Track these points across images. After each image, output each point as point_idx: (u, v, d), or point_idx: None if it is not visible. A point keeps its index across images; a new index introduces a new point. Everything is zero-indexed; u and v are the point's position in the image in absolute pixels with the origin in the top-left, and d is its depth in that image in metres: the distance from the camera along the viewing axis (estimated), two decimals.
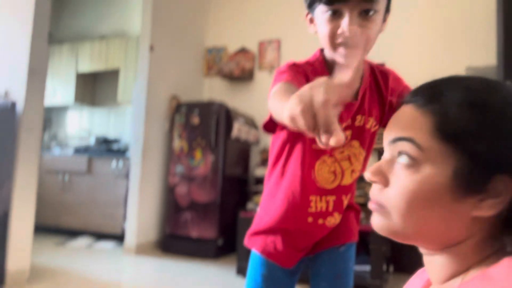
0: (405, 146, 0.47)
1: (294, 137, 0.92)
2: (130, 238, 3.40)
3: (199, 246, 3.38)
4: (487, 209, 0.44)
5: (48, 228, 4.05)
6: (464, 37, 3.24)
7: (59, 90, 4.63)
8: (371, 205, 0.51)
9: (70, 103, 4.63)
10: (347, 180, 0.94)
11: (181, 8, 3.96)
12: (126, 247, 3.41)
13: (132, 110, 3.91)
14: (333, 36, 0.79)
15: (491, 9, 2.63)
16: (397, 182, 0.48)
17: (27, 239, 2.42)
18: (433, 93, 0.47)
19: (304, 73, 0.86)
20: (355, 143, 0.93)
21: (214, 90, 4.26)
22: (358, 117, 0.92)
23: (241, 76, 4.03)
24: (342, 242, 1.00)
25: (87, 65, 4.61)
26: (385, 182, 0.49)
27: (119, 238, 3.70)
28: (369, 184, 0.51)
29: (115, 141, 4.44)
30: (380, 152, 0.56)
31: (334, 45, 0.80)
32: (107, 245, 3.66)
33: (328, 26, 0.79)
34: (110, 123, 4.75)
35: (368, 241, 2.43)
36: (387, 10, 0.85)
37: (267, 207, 1.00)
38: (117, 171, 3.89)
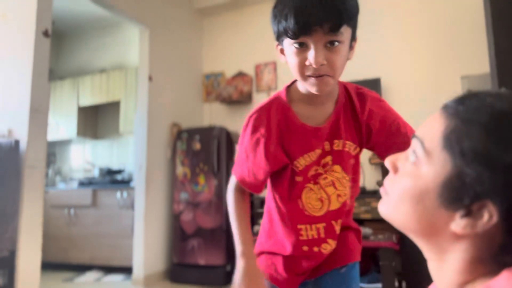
0: (416, 144, 0.51)
1: (277, 172, 0.94)
2: (138, 269, 3.37)
3: (208, 273, 3.34)
4: (462, 227, 0.45)
5: (56, 264, 4.02)
6: (457, 47, 3.28)
7: (62, 124, 4.69)
8: (381, 190, 0.56)
9: (73, 136, 4.68)
10: (335, 205, 0.94)
11: (177, 37, 4.05)
12: (135, 279, 3.37)
13: (134, 140, 3.95)
14: (302, 68, 0.82)
15: (481, 18, 2.67)
16: (401, 174, 0.53)
17: (35, 277, 2.40)
18: (459, 104, 0.48)
19: (262, 136, 0.91)
20: (337, 168, 0.93)
21: (214, 115, 4.30)
22: (336, 142, 0.92)
23: (240, 99, 4.08)
24: (342, 263, 0.99)
25: (89, 99, 4.68)
26: (395, 169, 0.54)
27: (128, 270, 3.66)
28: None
29: (119, 171, 4.46)
30: (382, 166, 0.61)
31: (304, 76, 0.83)
32: (115, 278, 3.63)
33: (296, 59, 0.82)
34: (113, 154, 4.78)
35: (378, 258, 2.39)
36: (353, 38, 0.88)
37: (268, 230, 1.02)
38: (122, 202, 3.89)
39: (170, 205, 3.69)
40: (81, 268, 3.94)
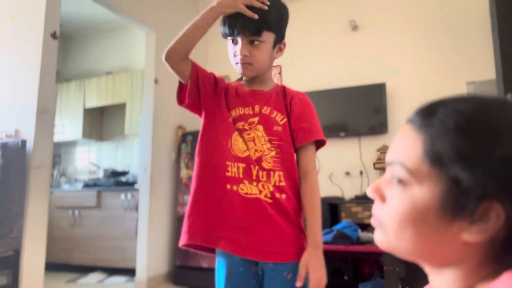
0: (396, 168, 0.49)
1: (213, 114, 1.19)
2: (141, 271, 3.37)
3: (211, 276, 3.32)
4: (475, 233, 0.44)
5: (60, 264, 4.04)
6: (462, 52, 3.28)
7: (68, 126, 4.73)
8: (372, 221, 0.53)
9: (78, 138, 4.72)
10: (253, 154, 1.12)
11: None
12: (138, 281, 3.38)
13: (139, 142, 3.97)
14: (233, 57, 1.17)
15: (487, 24, 2.67)
16: (391, 200, 0.50)
17: (38, 277, 2.41)
18: (428, 115, 0.48)
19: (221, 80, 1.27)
20: (260, 127, 1.14)
21: None
22: (265, 107, 1.16)
23: None
24: (277, 259, 1.05)
25: (94, 101, 4.72)
26: (382, 199, 0.51)
27: (131, 272, 3.66)
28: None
29: (123, 173, 4.48)
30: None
31: (235, 63, 1.17)
32: (118, 280, 3.63)
33: (230, 50, 1.18)
34: (118, 156, 4.80)
35: (381, 263, 2.38)
36: (279, 41, 1.19)
37: (192, 194, 1.15)
38: (126, 204, 3.90)
39: (174, 207, 3.70)
40: (84, 269, 3.95)
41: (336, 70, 3.76)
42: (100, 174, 4.58)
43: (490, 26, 2.24)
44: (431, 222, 0.45)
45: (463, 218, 0.44)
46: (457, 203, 0.44)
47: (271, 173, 1.09)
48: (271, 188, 1.07)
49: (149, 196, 3.44)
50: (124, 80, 4.58)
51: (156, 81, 3.60)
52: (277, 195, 1.07)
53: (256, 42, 1.12)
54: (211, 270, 3.65)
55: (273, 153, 1.12)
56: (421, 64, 3.44)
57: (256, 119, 1.15)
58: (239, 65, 1.15)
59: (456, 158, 0.44)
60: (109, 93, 4.65)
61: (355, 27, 3.71)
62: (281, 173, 1.10)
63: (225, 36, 1.20)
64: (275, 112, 1.16)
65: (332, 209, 3.11)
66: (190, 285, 3.36)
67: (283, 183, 1.09)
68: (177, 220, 3.57)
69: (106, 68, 4.91)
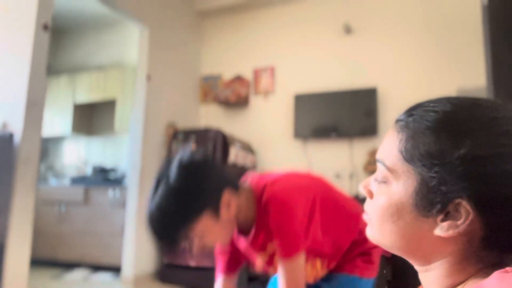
0: (380, 166, 0.53)
1: None
2: (128, 269, 3.34)
3: (199, 275, 3.32)
4: (446, 230, 0.45)
5: (44, 260, 3.97)
6: (454, 59, 3.33)
7: (57, 120, 4.66)
8: (364, 216, 0.57)
9: (67, 133, 4.65)
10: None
11: (177, 38, 4.06)
12: (124, 279, 3.34)
13: (129, 139, 3.93)
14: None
15: (479, 31, 2.71)
16: (376, 196, 0.53)
17: (23, 272, 2.36)
18: (408, 116, 0.50)
19: None
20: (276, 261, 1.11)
21: (211, 117, 4.30)
22: (269, 245, 1.10)
23: (237, 102, 4.09)
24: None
25: (85, 96, 4.66)
26: (370, 194, 0.55)
27: (117, 269, 3.62)
28: None
29: (112, 170, 4.43)
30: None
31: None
32: (104, 277, 3.59)
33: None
34: (107, 152, 4.75)
35: None
36: (217, 204, 0.99)
37: None
38: (114, 201, 3.86)
39: None
40: (69, 266, 3.89)
41: (329, 73, 3.78)
42: (88, 170, 4.52)
43: (482, 33, 2.27)
44: (406, 217, 0.48)
45: (435, 215, 0.46)
46: (427, 200, 0.46)
47: None
48: None
49: (137, 193, 3.41)
50: (115, 76, 4.54)
51: (148, 78, 3.57)
52: None
53: (194, 239, 1.01)
54: (198, 270, 3.64)
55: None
56: (413, 69, 3.48)
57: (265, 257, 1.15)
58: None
59: (422, 157, 0.46)
60: (100, 88, 4.60)
61: (349, 30, 3.74)
62: None
63: None
64: (269, 245, 1.11)
65: None
66: (178, 284, 3.34)
67: None
68: None
69: (98, 63, 4.85)
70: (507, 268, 0.43)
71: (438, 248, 0.47)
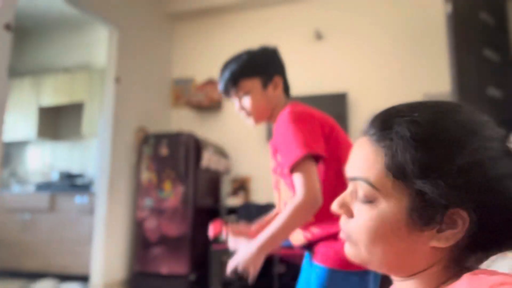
0: (361, 185, 0.48)
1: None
2: (97, 277, 3.23)
3: (170, 283, 3.25)
4: (444, 240, 0.45)
5: (8, 271, 3.78)
6: (421, 65, 3.44)
7: (20, 124, 4.45)
8: (341, 234, 0.53)
9: (31, 138, 4.46)
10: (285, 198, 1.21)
11: (147, 40, 3.98)
12: None
13: (97, 143, 3.81)
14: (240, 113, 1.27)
15: (444, 39, 2.81)
16: (358, 215, 0.49)
17: None
18: (385, 127, 0.47)
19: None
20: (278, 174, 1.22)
21: (183, 121, 4.24)
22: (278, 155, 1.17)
23: (210, 106, 4.05)
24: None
25: (50, 99, 4.49)
26: (350, 214, 0.51)
27: (86, 278, 3.49)
28: None
29: (79, 176, 4.28)
30: None
31: (244, 118, 1.27)
32: (72, 287, 3.45)
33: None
34: (74, 157, 4.59)
35: None
36: (268, 77, 1.22)
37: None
38: (81, 207, 3.72)
39: (133, 211, 3.58)
40: (35, 276, 3.72)
41: (300, 78, 3.81)
42: (54, 176, 4.35)
43: (446, 40, 2.36)
44: (401, 234, 0.46)
45: (432, 227, 0.45)
46: (424, 214, 0.45)
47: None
48: None
49: (106, 199, 3.31)
50: (83, 78, 4.40)
51: (117, 81, 3.48)
52: None
53: (241, 95, 1.21)
54: (170, 277, 3.58)
55: (286, 193, 1.17)
56: (382, 75, 3.57)
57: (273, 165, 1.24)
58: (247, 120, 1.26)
59: (418, 172, 0.44)
60: (66, 91, 4.44)
61: (319, 36, 3.79)
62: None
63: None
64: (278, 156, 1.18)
65: None
66: None
67: None
68: (136, 225, 3.45)
69: (64, 65, 4.68)
70: (476, 271, 0.44)
71: (429, 258, 0.46)
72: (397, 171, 0.45)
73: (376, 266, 0.50)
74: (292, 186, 1.06)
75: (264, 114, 1.23)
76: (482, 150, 0.44)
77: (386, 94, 3.48)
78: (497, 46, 2.60)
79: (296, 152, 1.01)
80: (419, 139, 0.44)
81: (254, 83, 1.21)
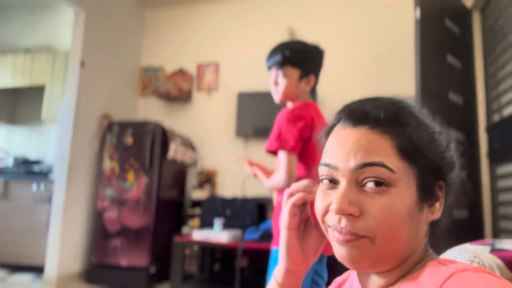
0: (376, 170, 0.47)
1: None
2: (51, 269, 3.10)
3: (130, 275, 3.17)
4: (437, 212, 0.50)
5: None
6: (388, 68, 3.53)
7: None
8: (346, 237, 0.48)
9: None
10: None
11: (116, 25, 3.84)
12: (46, 280, 3.09)
13: (57, 129, 3.64)
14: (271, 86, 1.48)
15: (411, 45, 2.90)
16: (371, 207, 0.47)
17: None
18: (388, 114, 0.49)
19: None
20: None
21: (150, 110, 4.14)
22: None
23: (179, 97, 3.98)
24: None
25: (8, 80, 4.24)
26: (359, 210, 0.47)
27: (39, 269, 3.34)
28: None
29: (37, 162, 4.09)
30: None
31: (272, 91, 1.48)
32: (24, 278, 3.29)
33: (270, 80, 1.47)
34: (31, 143, 4.37)
35: None
36: (307, 73, 1.44)
37: None
38: (38, 195, 3.55)
39: (93, 201, 3.46)
40: None
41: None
42: (9, 162, 4.12)
43: (412, 46, 2.43)
44: (414, 215, 0.48)
45: (428, 202, 0.50)
46: (427, 190, 0.49)
47: None
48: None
49: (65, 188, 3.17)
50: (44, 60, 4.18)
51: (82, 64, 3.34)
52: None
53: (280, 73, 1.41)
54: (129, 269, 3.49)
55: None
56: (351, 75, 3.64)
57: None
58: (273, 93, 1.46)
59: (418, 150, 0.48)
60: (26, 73, 4.21)
61: (292, 34, 3.81)
62: None
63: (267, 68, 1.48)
64: None
65: (260, 209, 3.15)
66: (106, 284, 3.16)
67: None
68: (96, 215, 3.34)
69: (25, 45, 4.44)
70: (440, 259, 0.48)
71: (423, 236, 0.50)
72: (408, 152, 0.48)
73: (382, 259, 0.48)
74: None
75: (288, 99, 1.44)
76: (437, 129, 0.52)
77: (354, 95, 3.54)
78: (460, 53, 2.71)
79: (271, 143, 1.38)
80: (419, 122, 0.50)
81: (293, 72, 1.41)
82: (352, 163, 0.48)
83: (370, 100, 0.52)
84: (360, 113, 0.50)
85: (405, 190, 0.47)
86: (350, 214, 0.47)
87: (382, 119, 0.49)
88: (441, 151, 0.50)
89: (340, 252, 0.49)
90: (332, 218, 0.49)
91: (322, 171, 0.51)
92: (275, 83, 1.43)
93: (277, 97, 1.45)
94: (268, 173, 1.50)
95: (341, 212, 0.47)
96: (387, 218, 0.46)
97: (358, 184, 0.48)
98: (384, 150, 0.47)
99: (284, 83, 1.41)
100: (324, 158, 0.51)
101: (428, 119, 0.52)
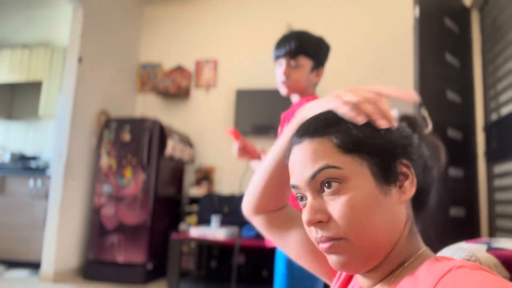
0: (326, 173, 0.49)
1: None
2: (48, 265, 3.09)
3: (126, 271, 3.17)
4: (408, 191, 0.51)
5: None
6: (389, 66, 3.53)
7: None
8: (326, 245, 0.49)
9: None
10: None
11: (114, 21, 3.83)
12: (43, 275, 3.09)
13: (55, 125, 3.63)
14: (279, 77, 1.40)
15: (409, 46, 2.89)
16: (335, 209, 0.49)
17: None
18: (318, 123, 0.53)
19: None
20: None
21: (148, 107, 4.13)
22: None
23: (177, 93, 3.97)
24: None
25: (5, 75, 4.22)
26: (327, 215, 0.50)
27: (37, 265, 3.34)
28: None
29: (34, 158, 4.07)
30: None
31: (280, 83, 1.39)
32: (20, 274, 3.29)
33: (277, 71, 1.40)
34: (28, 138, 4.35)
35: None
36: (318, 65, 1.41)
37: None
38: (35, 191, 3.55)
39: (91, 197, 3.45)
40: None
41: (271, 71, 3.81)
42: (6, 157, 4.11)
43: (412, 48, 2.43)
44: (379, 202, 0.49)
45: (394, 182, 0.50)
46: (384, 171, 0.50)
47: None
48: None
49: (62, 184, 3.16)
50: (42, 56, 4.17)
51: (80, 60, 3.32)
52: None
53: (293, 65, 1.36)
54: (126, 266, 3.49)
55: None
56: (350, 73, 3.63)
57: None
58: (281, 85, 1.38)
59: (362, 140, 0.50)
60: (23, 68, 4.19)
61: (290, 29, 3.80)
62: None
63: (275, 58, 1.43)
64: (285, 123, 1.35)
65: None
66: (103, 280, 3.16)
67: None
68: (93, 211, 3.33)
69: (22, 41, 4.41)
70: (437, 256, 0.48)
71: (403, 215, 0.51)
72: (350, 146, 0.50)
73: (373, 251, 0.49)
74: None
75: (298, 89, 1.38)
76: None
77: None
78: (458, 52, 2.71)
79: None
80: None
81: (307, 63, 1.37)
82: (306, 176, 0.51)
83: (312, 116, 0.56)
84: (300, 130, 0.54)
85: (360, 181, 0.49)
86: (321, 221, 0.49)
87: (315, 128, 0.52)
88: (387, 132, 0.51)
89: (330, 260, 0.51)
90: (311, 233, 0.52)
91: (293, 192, 0.55)
92: (285, 73, 1.35)
93: (285, 89, 1.38)
94: (254, 155, 1.44)
95: (310, 223, 0.50)
96: (351, 214, 0.48)
97: (319, 192, 0.50)
98: (326, 153, 0.50)
99: (297, 73, 1.35)
100: (291, 180, 0.55)
101: None
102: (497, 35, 2.66)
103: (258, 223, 0.74)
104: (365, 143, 0.50)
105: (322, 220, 0.49)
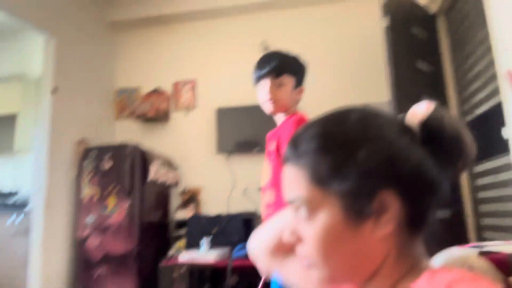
0: (297, 202, 0.51)
1: None
2: None
3: None
4: (384, 225, 0.48)
5: None
6: (360, 77, 3.61)
7: None
8: (304, 263, 0.52)
9: None
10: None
11: (88, 49, 3.80)
12: None
13: (32, 158, 3.53)
14: (263, 97, 1.46)
15: (382, 52, 2.97)
16: (306, 235, 0.51)
17: None
18: (294, 149, 0.53)
19: None
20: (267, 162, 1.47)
21: (128, 133, 4.07)
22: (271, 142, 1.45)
23: (156, 117, 3.94)
24: None
25: None
26: (300, 238, 0.52)
27: None
28: None
29: (12, 194, 3.94)
30: None
31: (264, 102, 1.47)
32: None
33: (260, 91, 1.47)
34: (5, 174, 4.21)
35: None
36: (300, 82, 1.47)
37: None
38: (14, 229, 3.41)
39: (74, 230, 3.34)
40: None
41: (251, 88, 3.83)
42: None
43: (385, 54, 2.50)
44: (346, 236, 0.47)
45: (368, 218, 0.48)
46: (356, 207, 0.47)
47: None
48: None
49: (43, 219, 3.06)
50: (15, 89, 4.09)
51: (55, 91, 3.27)
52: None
53: (277, 84, 1.40)
54: None
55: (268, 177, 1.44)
56: (324, 85, 3.69)
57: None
58: (266, 106, 1.43)
59: (331, 174, 0.48)
60: None
61: (266, 48, 3.85)
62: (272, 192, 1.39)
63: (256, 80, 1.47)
64: (272, 143, 1.40)
65: (246, 224, 3.11)
66: None
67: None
68: (78, 244, 3.23)
69: None
70: (436, 269, 0.48)
71: (380, 250, 0.48)
72: (317, 181, 0.49)
73: (342, 277, 0.50)
74: (272, 171, 1.39)
75: (283, 108, 1.42)
76: (385, 142, 0.49)
77: (329, 105, 3.59)
78: (429, 58, 2.80)
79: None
80: (320, 148, 0.50)
81: (290, 81, 1.41)
82: (286, 197, 0.54)
83: (298, 132, 0.56)
84: (287, 152, 0.55)
85: (327, 214, 0.48)
86: (297, 242, 0.52)
87: (294, 153, 0.52)
88: (368, 159, 0.47)
89: (310, 277, 0.52)
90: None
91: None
92: (269, 92, 1.38)
93: (270, 108, 1.41)
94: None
95: (286, 242, 0.52)
96: (315, 245, 0.49)
97: (298, 212, 0.52)
98: (299, 183, 0.51)
99: (281, 92, 1.39)
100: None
101: (358, 133, 0.49)
102: (465, 39, 2.76)
103: (275, 263, 0.71)
104: (338, 177, 0.48)
105: (296, 242, 0.52)
